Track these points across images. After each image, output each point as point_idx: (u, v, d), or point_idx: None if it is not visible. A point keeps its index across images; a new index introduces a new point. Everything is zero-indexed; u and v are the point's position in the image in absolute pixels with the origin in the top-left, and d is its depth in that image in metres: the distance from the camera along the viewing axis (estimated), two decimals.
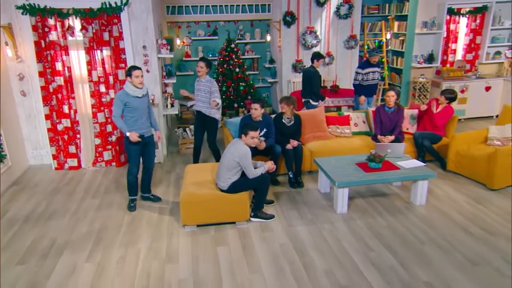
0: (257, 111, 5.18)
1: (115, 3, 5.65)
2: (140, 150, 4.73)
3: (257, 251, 4.00)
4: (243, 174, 4.42)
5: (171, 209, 4.91)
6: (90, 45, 5.77)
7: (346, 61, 8.64)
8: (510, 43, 8.73)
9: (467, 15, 8.57)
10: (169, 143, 7.35)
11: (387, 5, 9.25)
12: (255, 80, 9.53)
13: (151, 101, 6.11)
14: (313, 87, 6.70)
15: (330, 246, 4.05)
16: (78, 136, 6.15)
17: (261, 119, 5.28)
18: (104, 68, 5.91)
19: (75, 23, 5.71)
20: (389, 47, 9.52)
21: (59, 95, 5.93)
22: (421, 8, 8.24)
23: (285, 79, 8.50)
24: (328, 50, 8.43)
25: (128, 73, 4.48)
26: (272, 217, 4.63)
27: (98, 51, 5.83)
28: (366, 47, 9.35)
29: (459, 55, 8.93)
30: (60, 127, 6.05)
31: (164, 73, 6.92)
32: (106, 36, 5.81)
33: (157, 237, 4.29)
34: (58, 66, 5.81)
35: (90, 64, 5.85)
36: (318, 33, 8.27)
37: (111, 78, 5.99)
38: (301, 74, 8.32)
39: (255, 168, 4.46)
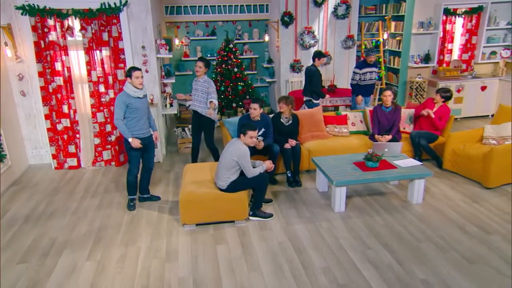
0: (256, 111, 5.21)
1: (114, 3, 5.66)
2: (141, 152, 4.75)
3: (256, 249, 4.03)
4: (242, 174, 4.44)
5: (170, 208, 4.94)
6: (89, 45, 5.78)
7: (344, 61, 8.68)
8: (505, 43, 8.78)
9: (463, 16, 8.60)
10: (168, 143, 7.37)
11: (384, 5, 9.29)
12: (253, 79, 9.55)
13: (150, 101, 6.16)
14: (313, 85, 6.74)
15: (328, 244, 4.08)
16: (77, 135, 6.17)
17: (259, 118, 5.30)
18: (103, 68, 5.92)
19: (75, 23, 5.72)
20: (386, 47, 9.55)
21: (59, 95, 5.94)
22: (418, 8, 8.28)
23: (283, 79, 8.53)
24: (325, 50, 8.47)
25: (128, 74, 4.49)
26: (270, 216, 4.66)
27: (98, 51, 5.84)
28: (363, 47, 9.40)
29: (455, 55, 8.96)
30: (59, 127, 6.07)
31: (163, 73, 6.95)
32: (105, 36, 5.82)
33: (157, 236, 4.31)
34: (58, 66, 5.82)
35: (90, 64, 5.86)
36: (316, 33, 8.30)
37: (110, 78, 6.00)
38: (299, 73, 8.43)
39: (253, 167, 4.49)
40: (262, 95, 9.88)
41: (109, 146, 6.29)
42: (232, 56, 8.47)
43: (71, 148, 6.19)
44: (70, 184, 5.71)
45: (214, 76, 8.69)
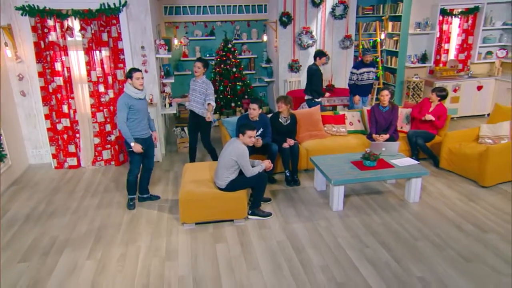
0: (255, 111, 5.23)
1: (114, 4, 5.68)
2: (142, 153, 4.76)
3: (255, 248, 4.06)
4: (241, 173, 4.47)
5: (170, 207, 4.96)
6: (89, 45, 5.79)
7: (342, 61, 8.71)
8: (501, 43, 8.84)
9: (459, 16, 8.65)
10: (167, 142, 7.39)
11: (381, 5, 9.32)
12: (252, 79, 9.57)
13: (149, 101, 6.19)
14: (313, 84, 6.78)
15: (326, 243, 4.11)
16: (77, 135, 6.19)
17: (257, 119, 5.32)
18: (103, 68, 5.94)
19: (74, 24, 5.73)
20: (384, 47, 9.59)
21: (59, 95, 5.96)
22: (415, 8, 8.32)
23: (282, 79, 8.56)
24: (323, 50, 8.51)
25: (129, 75, 4.51)
26: (269, 214, 4.69)
27: (97, 52, 5.86)
28: (361, 47, 9.44)
29: (451, 55, 9.02)
30: (59, 127, 6.08)
31: (162, 73, 6.96)
32: (104, 36, 5.83)
33: (157, 235, 4.33)
34: (58, 66, 5.83)
35: (89, 64, 5.87)
36: (314, 33, 8.34)
37: (110, 78, 6.02)
38: (297, 73, 8.47)
39: (252, 166, 4.51)
40: (260, 94, 9.90)
41: (109, 146, 6.31)
42: (230, 56, 8.48)
43: (71, 148, 6.21)
44: (70, 183, 5.73)
45: (213, 76, 8.71)
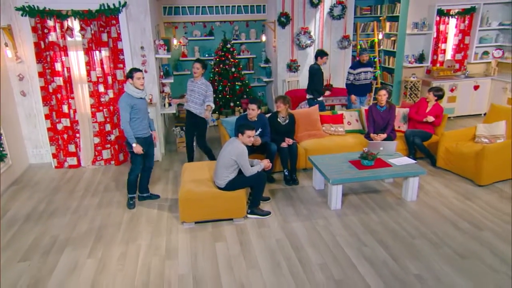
0: (254, 111, 5.25)
1: (113, 4, 5.70)
2: (144, 153, 4.79)
3: (254, 246, 4.08)
4: (240, 172, 4.49)
5: (169, 206, 4.98)
6: (89, 46, 5.82)
7: (340, 61, 8.75)
8: (497, 43, 8.90)
9: (456, 16, 8.69)
10: (166, 142, 7.41)
11: (379, 6, 9.36)
12: (250, 79, 9.59)
13: (149, 100, 6.22)
14: (314, 83, 6.82)
15: (324, 241, 4.14)
16: (77, 135, 6.22)
17: (256, 119, 5.35)
18: (102, 68, 5.96)
19: (74, 24, 5.75)
20: (381, 47, 9.63)
21: (59, 95, 5.98)
22: (412, 9, 8.36)
23: (280, 79, 8.59)
24: (324, 50, 8.54)
25: (130, 75, 4.53)
26: (268, 213, 4.71)
27: (97, 52, 5.88)
28: (358, 47, 9.48)
29: (448, 55, 9.06)
30: (59, 127, 6.11)
31: (162, 73, 6.98)
32: (104, 37, 5.86)
33: (157, 234, 4.35)
34: (58, 66, 5.85)
35: (89, 64, 5.90)
36: (312, 33, 8.36)
37: (109, 78, 6.04)
38: (296, 73, 8.51)
39: (251, 166, 4.53)
40: (259, 94, 9.93)
41: (109, 145, 6.33)
42: (229, 56, 8.51)
43: (71, 148, 6.23)
44: (71, 183, 5.75)
45: (212, 76, 8.73)
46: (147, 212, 4.85)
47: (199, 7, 8.82)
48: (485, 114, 8.23)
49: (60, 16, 5.62)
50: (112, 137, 6.29)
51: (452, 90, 8.39)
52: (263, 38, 9.26)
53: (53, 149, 6.19)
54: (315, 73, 6.81)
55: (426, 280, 3.50)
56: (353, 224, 4.49)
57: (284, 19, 8.14)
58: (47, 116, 6.03)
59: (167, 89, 7.00)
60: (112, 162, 6.42)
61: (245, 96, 8.79)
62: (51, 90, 5.94)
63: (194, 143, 6.08)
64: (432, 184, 5.49)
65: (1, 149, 5.37)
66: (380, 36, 9.54)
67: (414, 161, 5.13)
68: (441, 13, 8.55)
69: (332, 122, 6.38)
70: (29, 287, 3.53)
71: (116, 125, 6.25)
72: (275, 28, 8.26)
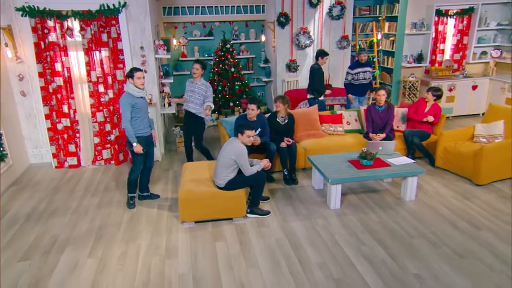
0: (253, 111, 5.27)
1: (113, 5, 5.71)
2: (145, 152, 4.82)
3: (254, 246, 4.10)
4: (240, 172, 4.51)
5: (169, 206, 5.00)
6: (89, 46, 5.83)
7: (339, 61, 8.78)
8: (495, 44, 8.93)
9: (454, 17, 8.72)
10: (166, 142, 7.42)
11: (378, 6, 9.38)
12: (250, 79, 9.60)
13: (149, 100, 6.23)
14: (314, 83, 6.86)
15: (324, 241, 4.16)
16: (77, 135, 6.23)
17: (255, 119, 5.37)
18: (102, 68, 5.98)
19: (74, 24, 5.77)
20: (380, 47, 9.66)
21: (59, 95, 6.00)
22: (411, 9, 8.39)
23: (280, 79, 8.61)
24: (325, 50, 8.56)
25: (130, 75, 4.56)
26: (267, 213, 4.73)
27: (97, 52, 5.89)
28: (357, 47, 9.51)
29: (447, 55, 9.09)
30: (60, 127, 6.12)
31: (161, 73, 6.99)
32: (104, 37, 5.87)
33: (157, 233, 4.37)
34: (58, 66, 5.87)
35: (89, 64, 5.91)
36: (311, 33, 8.39)
37: (109, 79, 6.05)
38: (295, 73, 8.54)
39: (251, 166, 4.54)
40: (258, 94, 9.94)
41: (109, 145, 6.35)
42: (229, 56, 8.53)
43: (71, 147, 6.25)
44: (71, 182, 5.76)
45: (211, 76, 8.75)
46: (147, 211, 4.86)
47: (198, 7, 8.83)
48: (483, 114, 8.27)
49: (60, 16, 5.64)
50: (112, 137, 6.30)
51: (450, 90, 8.42)
52: (263, 38, 9.27)
53: (53, 149, 6.21)
54: (316, 73, 6.84)
55: (425, 280, 3.52)
56: (352, 223, 4.51)
57: (284, 19, 8.16)
58: (47, 116, 6.04)
59: (166, 89, 7.01)
60: (112, 162, 6.43)
61: (244, 96, 8.81)
62: (51, 90, 5.95)
63: (193, 144, 6.10)
64: (430, 183, 5.51)
65: (1, 149, 5.38)
66: (379, 36, 9.56)
67: (412, 161, 5.15)
68: (439, 13, 8.58)
69: (331, 122, 6.40)
70: (30, 287, 3.54)
71: (116, 125, 6.27)
72: (275, 28, 8.28)
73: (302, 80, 8.65)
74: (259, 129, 5.41)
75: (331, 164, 5.05)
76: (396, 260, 3.82)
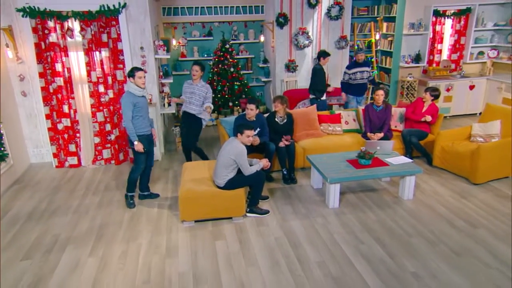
0: (252, 111, 5.31)
1: (113, 5, 5.73)
2: (146, 151, 4.85)
3: (253, 245, 4.13)
4: (239, 172, 4.53)
5: (169, 205, 5.02)
6: (89, 46, 5.85)
7: (337, 61, 8.80)
8: (492, 44, 8.98)
9: (452, 17, 8.76)
10: (166, 142, 7.44)
11: (376, 6, 9.40)
12: (249, 79, 9.63)
13: (149, 100, 6.26)
14: (315, 83, 6.91)
15: (322, 239, 4.19)
16: (78, 135, 6.25)
17: (254, 119, 5.41)
18: (102, 68, 6.00)
19: (74, 25, 5.78)
20: (378, 48, 9.69)
21: (59, 95, 6.01)
22: (408, 10, 8.42)
23: (279, 79, 8.63)
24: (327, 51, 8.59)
25: (131, 74, 4.59)
26: (267, 212, 4.76)
27: (97, 52, 5.91)
28: (356, 47, 9.54)
29: (444, 55, 9.13)
30: (60, 127, 6.14)
31: (161, 73, 7.02)
32: (104, 37, 5.89)
33: (157, 232, 4.39)
34: (58, 67, 5.88)
35: (89, 65, 5.93)
36: (310, 33, 8.41)
37: (109, 79, 6.07)
38: (294, 73, 8.57)
39: (250, 165, 4.57)
40: (257, 94, 9.97)
41: (109, 145, 6.37)
42: (228, 56, 8.56)
43: (72, 147, 6.27)
44: (71, 182, 5.78)
45: (210, 75, 8.78)
46: (147, 211, 4.89)
47: (198, 7, 8.86)
48: (480, 113, 8.31)
49: (60, 17, 5.65)
50: (112, 136, 6.32)
51: (448, 90, 8.46)
52: (262, 38, 9.30)
53: (54, 149, 6.23)
54: (317, 73, 6.89)
55: (423, 278, 3.55)
56: (351, 222, 4.54)
57: (282, 20, 8.18)
58: (47, 116, 6.06)
59: (166, 89, 7.04)
60: (112, 161, 6.46)
61: (243, 96, 8.84)
62: (51, 91, 5.97)
63: None
64: (428, 182, 5.55)
65: (2, 149, 5.38)
66: (377, 37, 9.59)
67: (410, 160, 5.18)
68: (437, 13, 8.62)
69: (330, 121, 6.44)
70: (31, 285, 3.57)
71: (116, 125, 6.29)
72: (274, 28, 8.30)
73: (301, 80, 8.68)
74: (258, 129, 5.44)
75: (329, 163, 5.08)
76: (394, 258, 3.85)
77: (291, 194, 5.28)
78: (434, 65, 9.05)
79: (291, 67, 8.52)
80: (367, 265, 3.76)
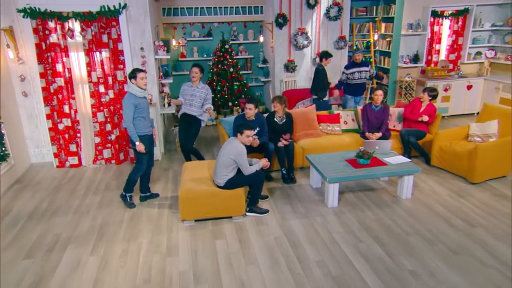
0: (251, 111, 5.33)
1: (114, 6, 5.75)
2: (148, 151, 4.88)
3: (253, 244, 4.15)
4: (239, 171, 4.56)
5: (169, 204, 5.05)
6: (89, 47, 5.87)
7: (336, 61, 8.79)
8: (490, 44, 9.04)
9: (449, 18, 8.81)
10: (166, 142, 7.46)
11: (374, 7, 9.42)
12: (248, 79, 9.66)
13: (149, 100, 6.29)
14: (316, 84, 6.96)
15: (322, 239, 4.22)
16: (78, 135, 6.27)
17: (254, 118, 5.43)
18: (103, 69, 6.02)
19: (75, 25, 5.80)
20: (377, 48, 9.72)
21: (60, 96, 6.04)
22: (407, 10, 8.46)
23: (278, 79, 8.66)
24: (318, 51, 8.62)
25: (133, 76, 4.60)
26: (266, 211, 4.78)
27: (97, 53, 5.93)
28: (354, 47, 9.57)
29: (442, 55, 9.18)
30: (61, 127, 6.16)
31: (161, 74, 7.04)
32: (105, 38, 5.91)
33: (157, 232, 4.41)
34: (59, 67, 5.90)
35: (90, 65, 5.95)
36: (309, 34, 8.43)
37: (110, 79, 6.10)
38: (293, 73, 8.60)
39: (250, 165, 4.60)
40: (257, 94, 9.99)
41: (109, 145, 6.39)
42: (228, 57, 8.58)
43: (72, 147, 6.29)
44: (72, 182, 5.80)
45: (210, 76, 8.80)
46: (148, 210, 4.91)
47: (197, 8, 8.88)
48: (478, 113, 8.36)
49: (61, 17, 5.67)
50: (113, 136, 6.35)
51: (446, 90, 8.51)
52: (261, 38, 9.32)
53: (55, 149, 6.25)
54: (319, 74, 6.93)
55: (421, 276, 3.58)
56: (350, 221, 4.57)
57: (282, 20, 8.20)
58: (48, 116, 6.08)
59: (166, 89, 7.06)
60: (113, 161, 6.48)
61: (243, 96, 8.86)
62: (52, 91, 5.99)
63: None
64: (426, 182, 5.58)
65: (3, 148, 5.40)
66: (376, 37, 9.63)
67: (408, 160, 5.21)
68: (435, 14, 8.66)
69: (328, 121, 6.47)
70: (33, 284, 3.59)
71: (116, 125, 6.32)
72: (273, 29, 8.32)
73: (300, 80, 8.71)
74: (257, 128, 5.46)
75: (328, 163, 5.10)
76: (392, 257, 3.87)
77: (291, 194, 5.31)
78: (432, 65, 9.10)
79: (290, 67, 8.54)
80: (366, 263, 3.78)
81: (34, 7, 5.54)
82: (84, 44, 5.86)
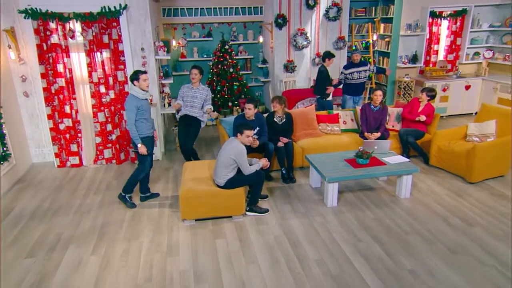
0: (251, 110, 5.36)
1: (114, 7, 5.75)
2: (150, 152, 4.90)
3: (253, 243, 4.17)
4: (239, 171, 4.58)
5: (170, 204, 5.06)
6: (90, 47, 5.89)
7: (335, 62, 8.80)
8: (488, 45, 9.08)
9: (448, 18, 8.85)
10: (166, 141, 7.48)
11: (373, 8, 9.47)
12: (248, 79, 9.69)
13: (149, 101, 6.31)
14: (319, 84, 7.00)
15: (321, 238, 4.24)
16: (79, 135, 6.29)
17: (253, 118, 5.45)
18: (104, 69, 6.03)
19: (76, 26, 5.82)
20: (376, 48, 9.76)
21: (61, 96, 6.05)
22: (405, 11, 8.48)
23: (277, 79, 8.68)
24: (317, 51, 8.66)
25: (135, 78, 4.60)
26: (266, 211, 4.81)
27: (98, 53, 5.95)
28: (353, 48, 9.60)
29: (441, 56, 9.22)
30: (62, 127, 6.18)
31: (161, 74, 7.05)
32: (105, 39, 5.93)
33: (158, 231, 4.43)
34: (60, 68, 5.92)
35: (91, 66, 5.97)
36: (308, 34, 8.46)
37: (110, 79, 6.11)
38: (293, 73, 8.64)
39: (250, 165, 4.62)
40: (257, 94, 10.02)
41: (110, 145, 6.41)
42: (227, 57, 8.60)
43: (73, 147, 6.31)
44: (73, 181, 5.82)
45: (210, 76, 8.83)
46: (148, 210, 4.93)
47: (197, 8, 8.91)
48: (476, 113, 8.39)
49: (62, 18, 5.69)
50: (113, 136, 6.36)
51: (444, 90, 8.55)
52: (261, 39, 9.35)
53: (56, 149, 6.27)
54: (321, 74, 6.98)
55: (420, 275, 3.60)
56: (349, 221, 4.59)
57: (281, 21, 8.23)
58: (49, 116, 6.10)
59: (166, 90, 7.08)
60: (114, 161, 6.50)
61: (243, 96, 8.89)
62: (53, 91, 6.01)
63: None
64: (425, 181, 5.61)
65: (5, 148, 5.43)
66: (375, 37, 9.66)
67: (407, 160, 5.23)
68: (433, 15, 8.70)
69: (328, 121, 6.49)
70: (35, 283, 3.61)
71: (117, 125, 6.34)
72: (272, 29, 8.35)
73: (299, 80, 8.74)
74: (257, 128, 5.48)
75: (328, 163, 5.12)
76: (391, 256, 3.90)
77: (290, 193, 5.33)
78: (430, 65, 9.13)
79: (289, 67, 8.57)
80: (365, 263, 3.81)
81: (35, 8, 5.55)
82: (85, 44, 5.87)
